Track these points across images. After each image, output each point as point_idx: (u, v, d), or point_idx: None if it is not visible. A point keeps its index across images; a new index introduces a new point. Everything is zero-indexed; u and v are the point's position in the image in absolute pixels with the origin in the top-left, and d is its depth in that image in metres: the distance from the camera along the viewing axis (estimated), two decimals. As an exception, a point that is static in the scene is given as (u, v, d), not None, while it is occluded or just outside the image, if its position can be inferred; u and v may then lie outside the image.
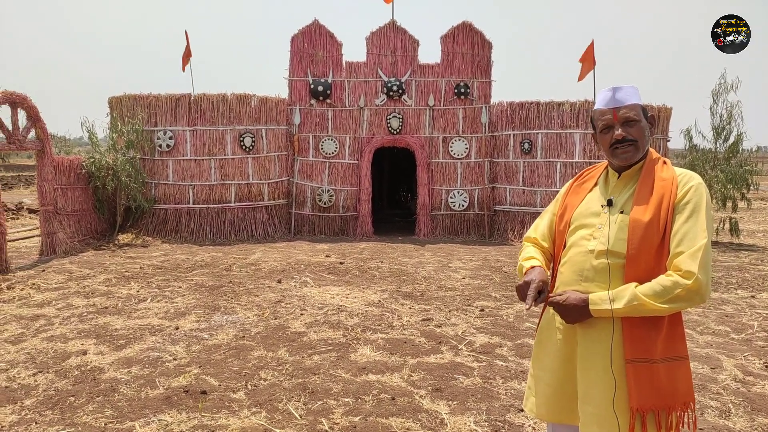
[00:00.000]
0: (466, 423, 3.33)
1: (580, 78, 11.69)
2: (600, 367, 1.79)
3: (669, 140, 12.07)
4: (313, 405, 3.53)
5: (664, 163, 1.88)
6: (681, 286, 1.66)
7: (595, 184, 1.99)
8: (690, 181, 1.80)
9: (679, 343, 1.81)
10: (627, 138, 1.84)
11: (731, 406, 3.60)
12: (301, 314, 5.62)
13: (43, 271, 7.65)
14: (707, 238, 1.70)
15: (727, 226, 11.27)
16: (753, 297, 6.57)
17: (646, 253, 1.76)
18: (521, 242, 2.33)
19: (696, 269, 1.65)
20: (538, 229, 2.14)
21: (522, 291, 1.90)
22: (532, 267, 1.95)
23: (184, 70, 11.91)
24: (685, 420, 1.81)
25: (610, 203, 1.88)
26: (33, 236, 10.86)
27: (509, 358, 4.45)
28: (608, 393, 1.78)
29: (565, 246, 1.97)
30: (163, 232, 11.06)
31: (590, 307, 1.77)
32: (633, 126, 1.85)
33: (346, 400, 3.61)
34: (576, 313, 1.81)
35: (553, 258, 2.07)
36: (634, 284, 1.74)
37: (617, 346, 1.78)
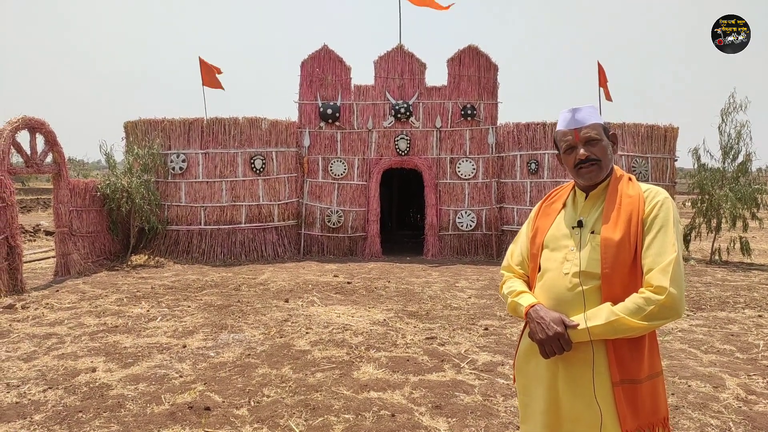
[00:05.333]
0: (463, 439, 3.37)
1: (609, 98, 11.98)
2: (586, 394, 1.77)
3: (676, 159, 12.10)
4: (313, 421, 3.59)
5: (630, 180, 1.89)
6: (654, 303, 1.64)
7: (564, 205, 1.99)
8: (656, 196, 1.80)
9: (657, 358, 1.82)
10: (590, 158, 1.85)
11: (731, 425, 3.60)
12: (307, 333, 5.69)
13: (57, 291, 7.82)
14: (677, 252, 1.69)
15: (737, 245, 11.20)
16: (760, 317, 6.53)
17: (620, 271, 1.75)
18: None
19: (667, 284, 1.64)
20: (514, 256, 2.10)
21: (557, 342, 1.76)
22: (532, 305, 1.86)
23: (222, 88, 12.32)
24: None
25: (580, 224, 1.87)
26: (49, 257, 11.09)
27: (511, 376, 4.48)
28: (596, 422, 1.75)
29: (540, 269, 1.95)
30: (175, 253, 11.24)
31: (568, 330, 1.74)
32: (595, 145, 1.86)
33: (346, 416, 3.67)
34: (553, 339, 1.75)
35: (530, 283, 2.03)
36: (608, 303, 1.72)
37: (599, 370, 1.75)
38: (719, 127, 11.26)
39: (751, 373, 4.60)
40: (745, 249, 11.06)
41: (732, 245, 11.29)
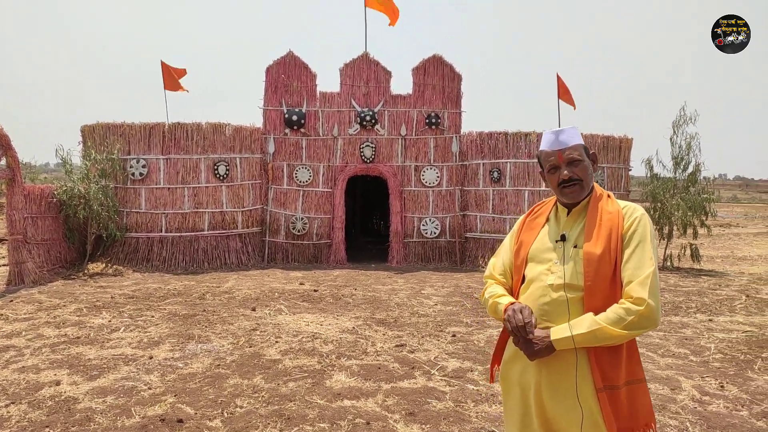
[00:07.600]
0: (438, 445, 3.44)
1: (574, 106, 12.39)
2: (568, 397, 1.87)
3: (630, 169, 12.58)
4: (289, 431, 3.60)
5: (609, 197, 2.02)
6: (634, 313, 1.76)
7: (547, 220, 2.10)
8: (634, 213, 1.94)
9: (637, 366, 1.94)
10: (573, 178, 1.97)
11: (689, 425, 3.79)
12: (276, 342, 5.67)
13: (11, 301, 7.52)
14: (654, 266, 1.83)
15: (688, 252, 11.72)
16: (711, 320, 6.87)
17: (602, 284, 1.87)
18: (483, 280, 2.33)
19: (646, 295, 1.76)
20: (496, 267, 2.18)
21: (524, 330, 1.87)
22: (512, 303, 1.96)
23: (186, 90, 12.04)
24: None
25: (563, 238, 1.99)
26: (0, 266, 10.63)
27: (480, 382, 4.59)
28: (576, 424, 1.86)
29: (523, 281, 2.05)
30: (134, 261, 10.96)
31: (552, 338, 1.84)
32: (577, 166, 1.98)
33: (321, 425, 3.69)
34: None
35: (512, 293, 2.13)
36: (591, 313, 1.83)
37: (582, 376, 1.86)
38: (671, 139, 11.80)
39: (704, 375, 4.85)
40: (695, 255, 11.60)
41: (683, 252, 11.81)
